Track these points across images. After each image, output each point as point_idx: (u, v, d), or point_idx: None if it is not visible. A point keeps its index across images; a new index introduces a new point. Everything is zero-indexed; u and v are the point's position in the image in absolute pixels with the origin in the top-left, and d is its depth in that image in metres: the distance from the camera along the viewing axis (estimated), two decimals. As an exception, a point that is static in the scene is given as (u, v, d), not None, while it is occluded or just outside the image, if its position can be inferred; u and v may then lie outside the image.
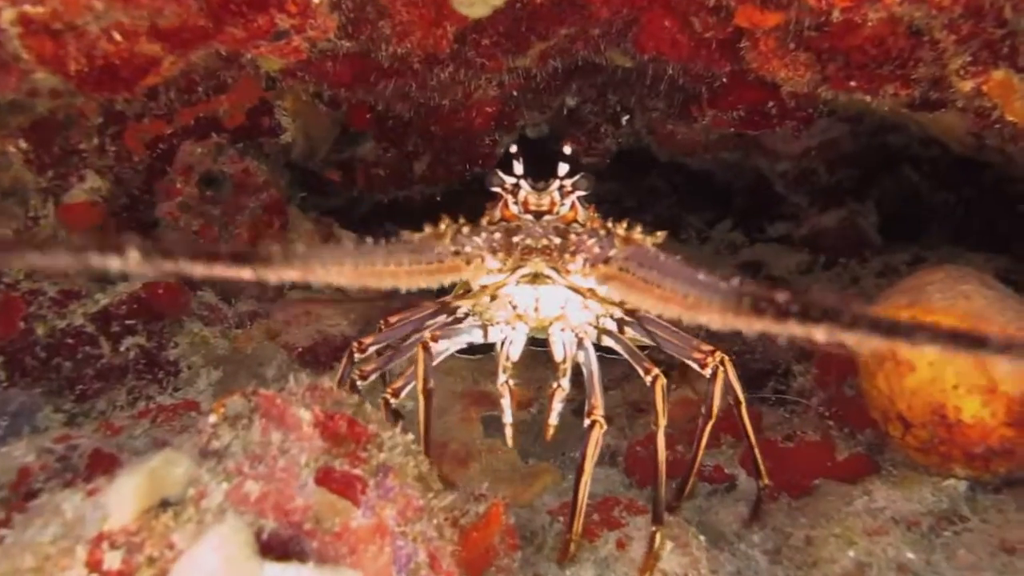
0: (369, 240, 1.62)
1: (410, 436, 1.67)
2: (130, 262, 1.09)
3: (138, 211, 3.20)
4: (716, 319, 1.25)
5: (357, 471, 1.52)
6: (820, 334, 1.09)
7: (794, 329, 1.11)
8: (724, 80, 2.83)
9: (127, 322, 2.82)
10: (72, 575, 1.32)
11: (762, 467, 2.28)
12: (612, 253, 1.73)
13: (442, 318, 2.21)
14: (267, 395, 1.59)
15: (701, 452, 2.17)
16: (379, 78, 2.78)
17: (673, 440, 2.57)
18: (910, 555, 1.93)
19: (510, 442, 2.07)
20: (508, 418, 2.02)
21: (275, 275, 1.28)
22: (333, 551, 1.41)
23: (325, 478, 1.48)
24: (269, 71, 2.74)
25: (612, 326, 2.26)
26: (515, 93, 3.20)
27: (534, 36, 2.76)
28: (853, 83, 2.40)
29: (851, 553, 1.96)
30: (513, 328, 2.07)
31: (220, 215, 3.20)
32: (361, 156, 3.59)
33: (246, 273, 1.22)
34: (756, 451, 2.26)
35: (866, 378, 2.31)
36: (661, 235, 1.94)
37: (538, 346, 2.60)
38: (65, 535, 1.38)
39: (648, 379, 2.06)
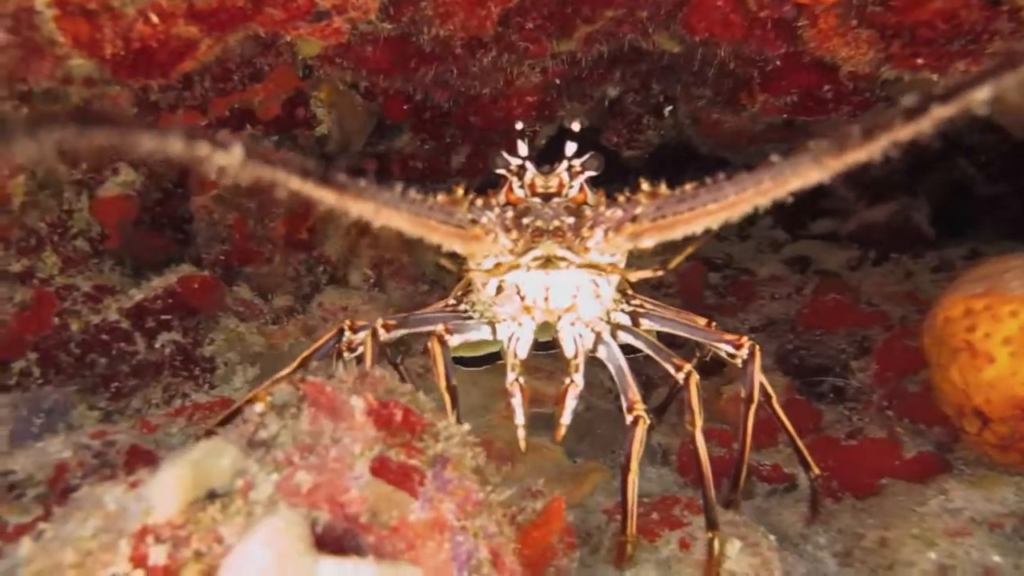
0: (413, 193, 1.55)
1: (466, 426, 1.57)
2: (234, 158, 1.08)
3: (172, 205, 3.13)
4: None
5: (414, 462, 1.42)
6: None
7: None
8: (778, 63, 2.72)
9: (162, 317, 2.75)
10: (115, 571, 1.23)
11: (808, 458, 2.15)
12: (639, 211, 1.64)
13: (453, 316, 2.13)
14: (316, 383, 1.50)
15: (749, 440, 2.04)
16: (419, 64, 2.69)
17: (728, 438, 2.46)
18: (996, 558, 1.81)
19: (523, 444, 1.94)
20: (520, 419, 1.89)
21: (352, 205, 1.29)
22: (391, 546, 1.31)
23: (381, 469, 1.38)
24: (307, 57, 2.66)
25: (625, 320, 2.15)
26: (557, 81, 3.10)
27: (579, 18, 2.66)
28: (920, 61, 2.28)
29: (932, 555, 1.84)
30: (520, 324, 1.96)
31: (255, 209, 3.12)
32: (397, 148, 3.51)
33: (330, 196, 1.19)
34: (797, 441, 2.12)
35: (937, 371, 2.18)
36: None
37: (548, 349, 2.50)
38: (107, 529, 1.30)
39: (680, 376, 1.95)
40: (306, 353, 2.05)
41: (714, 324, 2.14)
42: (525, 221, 1.78)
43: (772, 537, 1.84)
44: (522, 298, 1.90)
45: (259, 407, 1.49)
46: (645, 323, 2.19)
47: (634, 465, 1.88)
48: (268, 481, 1.32)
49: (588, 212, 1.77)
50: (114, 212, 2.97)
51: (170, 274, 2.83)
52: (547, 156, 2.02)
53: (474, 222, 1.69)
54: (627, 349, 2.08)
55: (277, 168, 1.22)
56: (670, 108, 3.50)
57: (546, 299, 1.90)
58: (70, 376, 2.66)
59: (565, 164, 1.96)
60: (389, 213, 1.47)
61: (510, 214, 1.79)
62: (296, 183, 1.26)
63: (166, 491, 1.34)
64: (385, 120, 3.42)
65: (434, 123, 3.36)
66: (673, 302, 2.76)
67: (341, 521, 1.30)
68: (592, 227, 1.73)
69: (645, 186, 1.58)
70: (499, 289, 1.92)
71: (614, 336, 2.10)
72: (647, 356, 2.19)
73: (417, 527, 1.33)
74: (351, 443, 1.41)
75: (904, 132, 1.16)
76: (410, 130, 3.46)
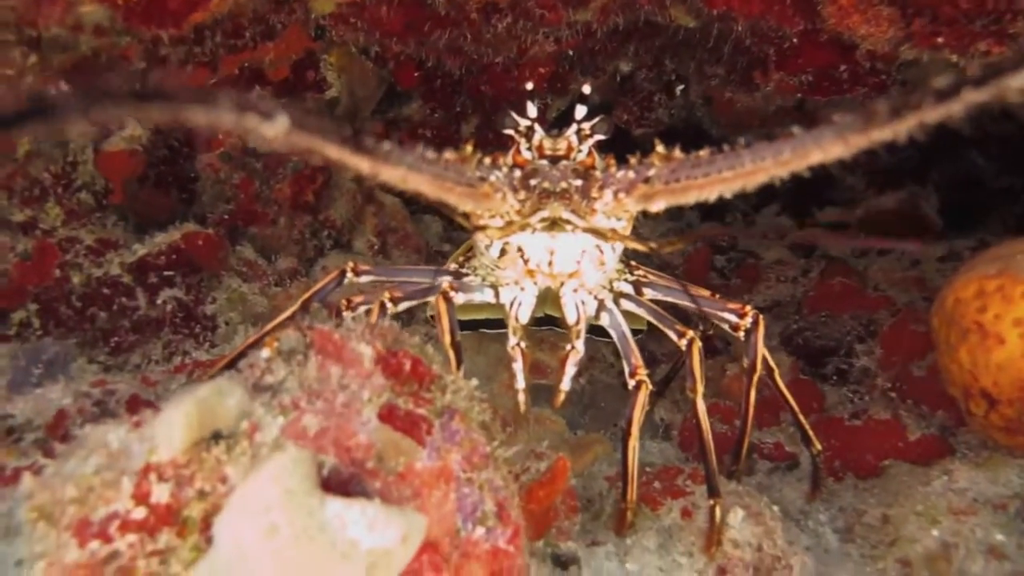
0: (430, 153, 1.56)
1: (474, 382, 1.56)
2: (279, 129, 1.10)
3: (178, 163, 3.10)
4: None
5: (422, 411, 1.41)
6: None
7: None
8: (794, 40, 2.69)
9: (165, 274, 2.72)
10: (117, 507, 1.21)
11: (810, 433, 2.14)
12: (652, 172, 1.62)
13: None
14: (324, 330, 1.48)
15: (752, 411, 2.03)
16: (433, 27, 2.66)
17: (731, 415, 2.45)
18: (1000, 537, 1.80)
19: (523, 407, 1.96)
20: (521, 383, 1.90)
21: (383, 171, 1.32)
22: (396, 492, 1.29)
23: (389, 415, 1.36)
24: (320, 14, 2.63)
25: (628, 288, 2.14)
26: (571, 52, 3.07)
27: (597, -13, 2.64)
28: (940, 40, 2.26)
29: (935, 532, 1.83)
30: (523, 288, 1.94)
31: (262, 169, 3.10)
32: (407, 116, 3.48)
33: (364, 164, 1.25)
34: (799, 416, 2.12)
35: (945, 353, 2.17)
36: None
37: (550, 325, 2.47)
38: (109, 466, 1.28)
39: (683, 343, 1.94)
40: (307, 295, 2.03)
41: (718, 296, 2.13)
42: (532, 182, 1.77)
43: (776, 507, 1.83)
44: (526, 261, 1.89)
45: (265, 352, 1.48)
46: (648, 292, 2.17)
47: (635, 430, 1.88)
48: (274, 424, 1.31)
49: (597, 175, 1.75)
50: (119, 167, 2.94)
51: (174, 231, 2.80)
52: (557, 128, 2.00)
53: (482, 180, 1.68)
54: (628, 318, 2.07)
55: (317, 138, 1.24)
56: (682, 87, 3.47)
57: (550, 263, 1.89)
58: (70, 329, 2.64)
59: (574, 127, 1.94)
60: (413, 177, 1.47)
61: (517, 174, 1.78)
62: (334, 152, 1.28)
63: (171, 431, 1.32)
64: (395, 87, 3.39)
65: (444, 91, 3.33)
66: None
67: (347, 465, 1.29)
68: (601, 188, 1.72)
69: (660, 148, 1.57)
70: (503, 252, 1.91)
71: (617, 304, 2.08)
72: (649, 329, 2.17)
73: (424, 475, 1.32)
74: (359, 389, 1.39)
75: (933, 114, 1.14)
76: (420, 98, 3.42)
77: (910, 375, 2.52)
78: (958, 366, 2.12)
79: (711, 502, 1.78)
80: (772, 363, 2.06)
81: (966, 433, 2.26)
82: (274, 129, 1.13)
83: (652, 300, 2.11)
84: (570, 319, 1.93)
